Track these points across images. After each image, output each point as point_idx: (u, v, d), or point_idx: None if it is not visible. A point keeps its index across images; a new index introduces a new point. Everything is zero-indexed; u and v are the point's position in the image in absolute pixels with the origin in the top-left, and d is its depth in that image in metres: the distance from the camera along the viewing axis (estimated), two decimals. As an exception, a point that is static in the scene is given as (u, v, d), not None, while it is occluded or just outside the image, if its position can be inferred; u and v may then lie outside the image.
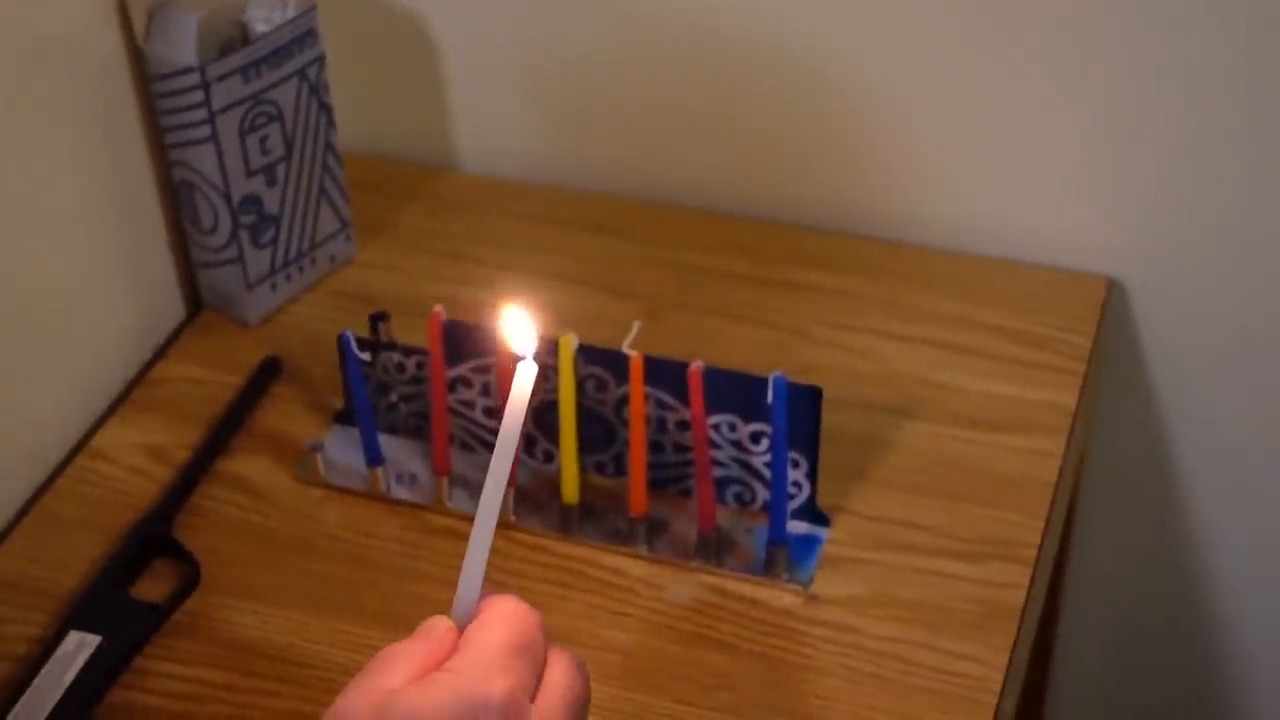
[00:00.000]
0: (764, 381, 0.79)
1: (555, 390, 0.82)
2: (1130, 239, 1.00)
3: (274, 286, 0.99)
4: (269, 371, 0.95)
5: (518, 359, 0.61)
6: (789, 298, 0.99)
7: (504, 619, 0.60)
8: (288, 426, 0.92)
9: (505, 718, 0.56)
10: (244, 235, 0.96)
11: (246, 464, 0.90)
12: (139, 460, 0.91)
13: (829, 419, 0.84)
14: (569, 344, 0.80)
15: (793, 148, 1.04)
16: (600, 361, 0.82)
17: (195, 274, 1.00)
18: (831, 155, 1.03)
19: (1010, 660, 0.78)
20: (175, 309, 1.00)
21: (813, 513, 0.84)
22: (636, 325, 0.81)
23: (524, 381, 0.61)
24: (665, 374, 0.81)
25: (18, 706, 0.76)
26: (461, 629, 0.60)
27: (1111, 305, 1.00)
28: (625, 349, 0.80)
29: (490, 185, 1.10)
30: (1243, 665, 1.15)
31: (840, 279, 1.00)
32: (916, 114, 1.00)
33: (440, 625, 0.61)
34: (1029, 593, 0.81)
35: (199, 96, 0.90)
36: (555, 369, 0.81)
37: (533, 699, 0.59)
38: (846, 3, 0.97)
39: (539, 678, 0.60)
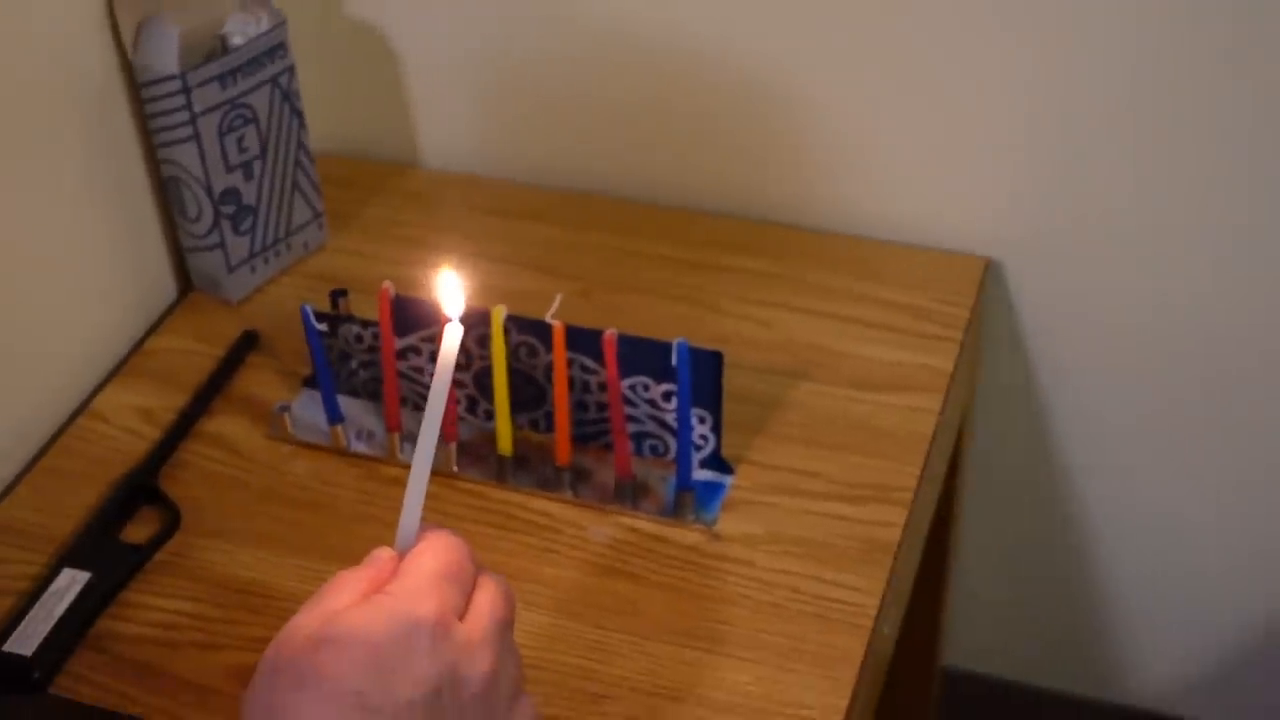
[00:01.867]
0: (669, 346, 0.78)
1: (493, 359, 0.81)
2: (1005, 223, 1.00)
3: (253, 269, 0.99)
4: (247, 343, 0.95)
5: (445, 320, 0.62)
6: (705, 276, 0.99)
7: (436, 549, 0.60)
8: (262, 391, 0.92)
9: (434, 636, 0.57)
10: (225, 224, 0.96)
11: (225, 424, 0.90)
12: (131, 421, 0.90)
13: (737, 381, 0.85)
14: (499, 314, 0.80)
15: (711, 144, 1.03)
16: (529, 330, 0.82)
17: (184, 258, 0.99)
18: (745, 150, 1.03)
19: (886, 589, 0.78)
20: (167, 289, 1.00)
21: (718, 462, 0.84)
22: (558, 299, 0.81)
23: (451, 341, 0.61)
24: (585, 341, 0.80)
25: (13, 636, 0.75)
26: (402, 558, 0.60)
27: (988, 282, 1.00)
28: (548, 319, 0.80)
29: (445, 180, 1.10)
30: (1116, 588, 1.16)
31: (749, 260, 1.00)
32: (820, 114, 1.00)
33: (384, 554, 0.61)
34: (904, 531, 0.81)
35: (181, 101, 0.90)
36: (489, 337, 0.81)
37: (461, 618, 0.59)
38: (759, 19, 0.97)
39: (468, 600, 0.60)
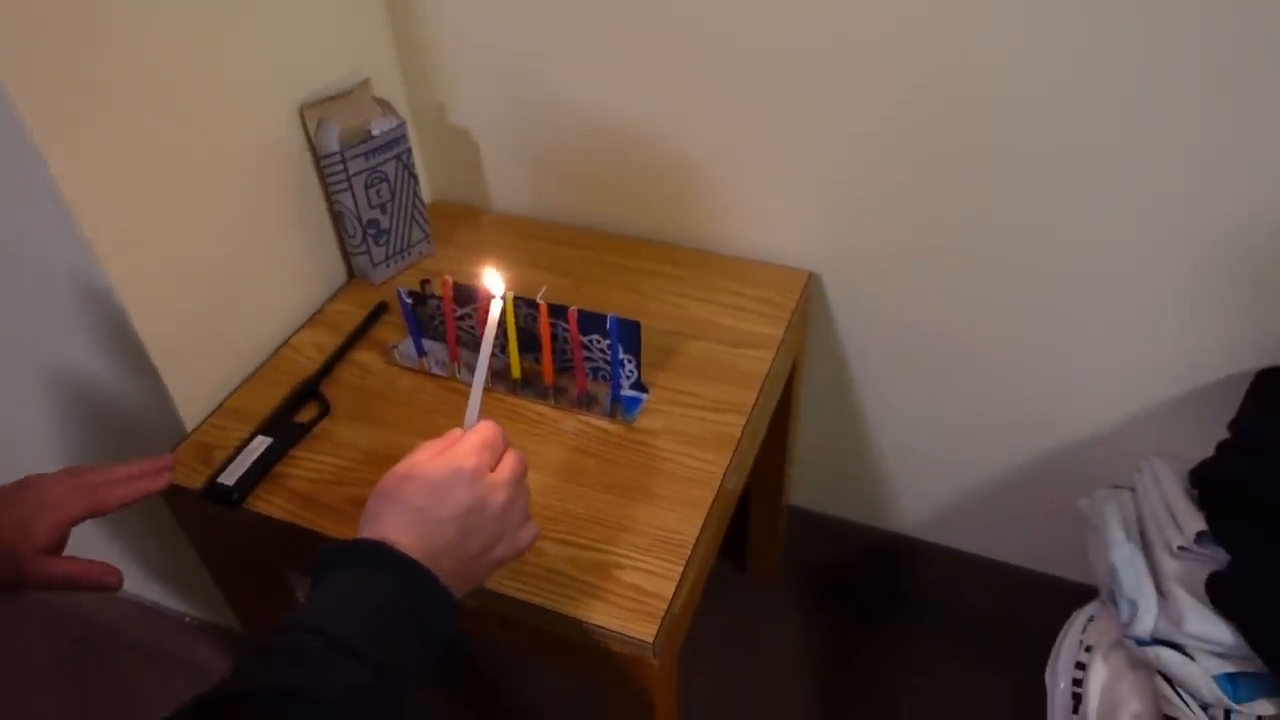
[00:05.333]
0: (606, 317, 0.75)
1: (506, 321, 0.78)
2: (822, 251, 0.95)
3: (387, 266, 0.95)
4: (380, 310, 0.91)
5: (492, 296, 0.60)
6: (643, 278, 0.94)
7: (482, 430, 0.57)
8: (385, 336, 0.89)
9: (470, 478, 0.54)
10: (370, 240, 0.92)
11: (362, 355, 0.87)
12: (311, 351, 0.87)
13: (654, 339, 0.81)
14: (509, 297, 0.76)
15: (649, 200, 0.98)
16: (529, 306, 0.78)
17: (349, 258, 0.96)
18: (668, 204, 0.97)
19: (729, 463, 0.74)
20: (339, 276, 0.96)
21: (639, 385, 0.80)
22: (544, 289, 0.78)
23: (496, 309, 0.59)
24: (559, 313, 0.77)
25: (223, 473, 0.73)
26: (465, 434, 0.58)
27: (811, 286, 0.95)
28: (538, 299, 0.76)
29: (503, 218, 1.05)
30: (894, 461, 1.11)
31: (668, 268, 0.95)
32: (710, 183, 0.94)
33: (455, 431, 0.58)
34: (743, 429, 0.77)
35: (341, 168, 0.86)
36: (505, 310, 0.77)
37: (491, 470, 0.56)
38: (680, 133, 0.91)
39: (498, 461, 0.57)
